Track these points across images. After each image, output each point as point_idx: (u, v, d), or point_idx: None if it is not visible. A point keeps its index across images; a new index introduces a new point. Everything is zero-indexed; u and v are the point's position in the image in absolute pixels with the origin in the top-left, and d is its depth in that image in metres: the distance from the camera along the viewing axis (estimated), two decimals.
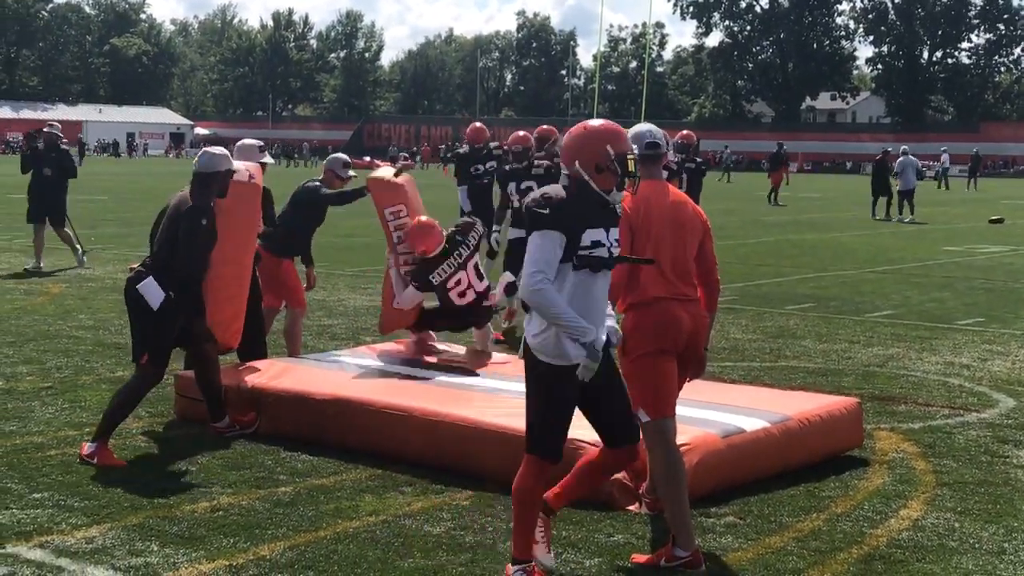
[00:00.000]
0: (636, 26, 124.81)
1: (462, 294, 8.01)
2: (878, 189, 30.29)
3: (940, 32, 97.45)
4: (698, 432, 5.83)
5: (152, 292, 6.46)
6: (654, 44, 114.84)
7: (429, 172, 60.40)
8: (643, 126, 5.29)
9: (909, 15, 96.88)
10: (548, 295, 4.35)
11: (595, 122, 4.69)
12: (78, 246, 15.74)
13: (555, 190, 4.51)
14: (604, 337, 4.55)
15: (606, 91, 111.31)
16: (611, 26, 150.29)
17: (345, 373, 7.41)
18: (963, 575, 4.92)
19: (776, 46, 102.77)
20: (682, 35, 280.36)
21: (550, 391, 4.48)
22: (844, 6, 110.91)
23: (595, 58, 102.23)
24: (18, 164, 16.13)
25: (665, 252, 4.98)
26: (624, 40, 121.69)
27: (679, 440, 5.20)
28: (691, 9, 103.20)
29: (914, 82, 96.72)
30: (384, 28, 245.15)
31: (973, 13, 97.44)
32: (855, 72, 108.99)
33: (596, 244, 4.47)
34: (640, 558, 4.99)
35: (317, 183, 8.78)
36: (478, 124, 13.11)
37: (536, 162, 11.10)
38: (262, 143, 8.55)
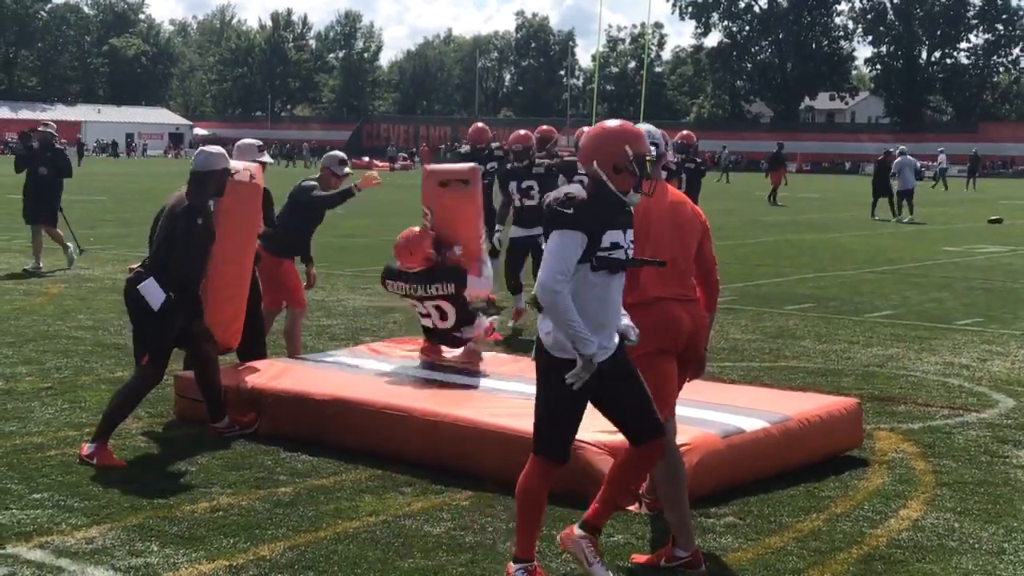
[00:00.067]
0: (635, 26, 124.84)
1: (426, 319, 7.86)
2: (879, 189, 30.31)
3: (939, 32, 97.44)
4: (698, 432, 5.83)
5: (152, 293, 6.46)
6: (653, 44, 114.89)
7: None
8: (642, 126, 5.28)
9: (908, 15, 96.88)
10: (564, 298, 4.32)
11: (613, 122, 4.66)
12: (69, 244, 15.69)
13: (577, 190, 4.47)
14: (616, 340, 4.54)
15: (605, 91, 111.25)
16: (610, 26, 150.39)
17: (344, 373, 7.41)
18: (963, 575, 4.92)
19: (775, 46, 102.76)
20: (681, 35, 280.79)
21: (559, 388, 4.44)
22: (843, 6, 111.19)
23: (594, 58, 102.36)
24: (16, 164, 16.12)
25: (664, 252, 4.98)
26: (623, 40, 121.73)
27: (679, 440, 5.20)
28: (690, 9, 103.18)
29: (913, 82, 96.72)
30: (383, 28, 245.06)
31: (972, 13, 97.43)
32: (854, 72, 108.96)
33: (615, 246, 4.45)
34: (640, 558, 4.99)
35: (312, 182, 8.75)
36: (480, 124, 13.10)
37: (537, 161, 11.12)
38: (261, 143, 8.54)
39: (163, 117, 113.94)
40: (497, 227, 11.54)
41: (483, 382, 7.23)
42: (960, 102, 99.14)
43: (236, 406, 7.02)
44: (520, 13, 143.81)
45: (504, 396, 6.77)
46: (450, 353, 7.84)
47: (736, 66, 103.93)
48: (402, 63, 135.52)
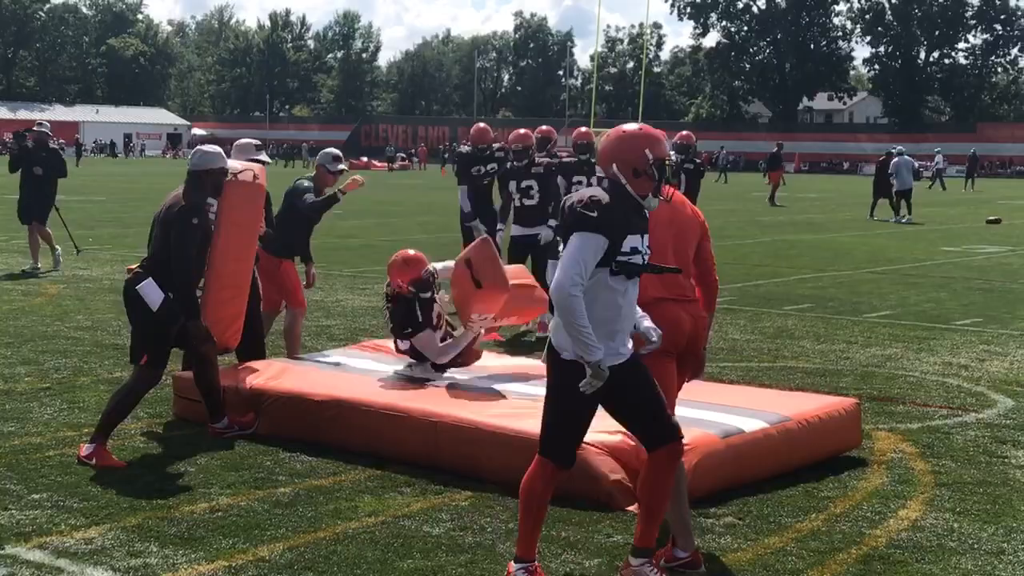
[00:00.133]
0: (633, 26, 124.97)
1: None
2: (880, 190, 30.32)
3: (937, 32, 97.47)
4: (697, 433, 5.83)
5: (151, 293, 6.46)
6: (651, 44, 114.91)
7: (427, 173, 60.43)
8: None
9: (906, 15, 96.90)
10: (579, 302, 4.29)
11: (632, 126, 4.64)
12: (58, 248, 15.64)
13: (600, 193, 4.44)
14: (630, 345, 4.53)
15: (603, 91, 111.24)
16: (608, 27, 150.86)
17: (344, 374, 7.41)
18: (962, 575, 4.92)
19: (773, 46, 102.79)
20: (679, 35, 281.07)
21: (570, 392, 4.41)
22: (841, 6, 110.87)
23: (592, 58, 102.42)
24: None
25: (664, 253, 4.98)
26: (621, 40, 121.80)
27: None
28: (688, 9, 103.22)
29: (911, 82, 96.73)
30: (381, 28, 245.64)
31: (970, 14, 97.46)
32: (852, 72, 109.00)
33: (634, 251, 4.43)
34: None
35: (306, 182, 8.72)
36: (482, 124, 13.09)
37: (536, 161, 11.13)
38: (259, 142, 8.53)
39: (161, 117, 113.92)
40: (499, 226, 11.56)
41: (483, 382, 7.21)
42: (958, 102, 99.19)
43: (235, 406, 7.01)
44: (519, 13, 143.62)
45: (504, 396, 6.77)
46: (403, 346, 7.54)
47: (734, 66, 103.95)
48: (400, 63, 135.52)
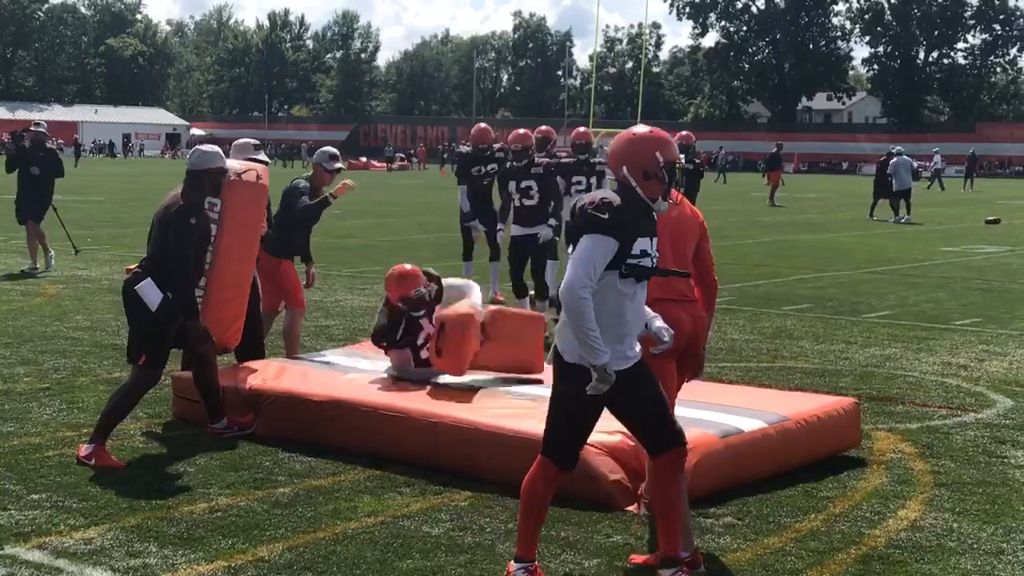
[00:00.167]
0: (632, 26, 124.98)
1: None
2: (880, 190, 30.33)
3: (936, 32, 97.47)
4: (696, 433, 5.82)
5: (150, 293, 6.45)
6: (650, 44, 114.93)
7: (426, 173, 60.44)
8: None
9: (905, 15, 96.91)
10: (588, 304, 4.28)
11: (642, 128, 4.63)
12: (51, 250, 15.62)
13: (612, 195, 4.43)
14: (637, 349, 4.52)
15: (602, 92, 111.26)
16: (607, 26, 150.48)
17: (343, 374, 7.40)
18: (961, 575, 4.93)
19: (772, 47, 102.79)
20: (678, 35, 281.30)
21: (574, 394, 4.41)
22: (840, 6, 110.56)
23: (591, 58, 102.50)
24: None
25: (663, 253, 4.98)
26: (620, 40, 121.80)
27: None
28: (687, 9, 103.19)
29: (910, 82, 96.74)
30: (380, 28, 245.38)
31: (969, 14, 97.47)
32: (851, 72, 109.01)
33: (644, 253, 4.43)
34: (639, 559, 4.99)
35: (302, 182, 8.71)
36: (483, 125, 13.09)
37: (536, 161, 11.13)
38: (258, 142, 8.52)
39: (160, 117, 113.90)
40: (499, 226, 11.57)
41: (483, 382, 7.21)
42: (957, 102, 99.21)
43: (234, 407, 7.01)
44: (517, 13, 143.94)
45: (503, 396, 6.77)
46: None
47: (734, 66, 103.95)
48: (399, 63, 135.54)
